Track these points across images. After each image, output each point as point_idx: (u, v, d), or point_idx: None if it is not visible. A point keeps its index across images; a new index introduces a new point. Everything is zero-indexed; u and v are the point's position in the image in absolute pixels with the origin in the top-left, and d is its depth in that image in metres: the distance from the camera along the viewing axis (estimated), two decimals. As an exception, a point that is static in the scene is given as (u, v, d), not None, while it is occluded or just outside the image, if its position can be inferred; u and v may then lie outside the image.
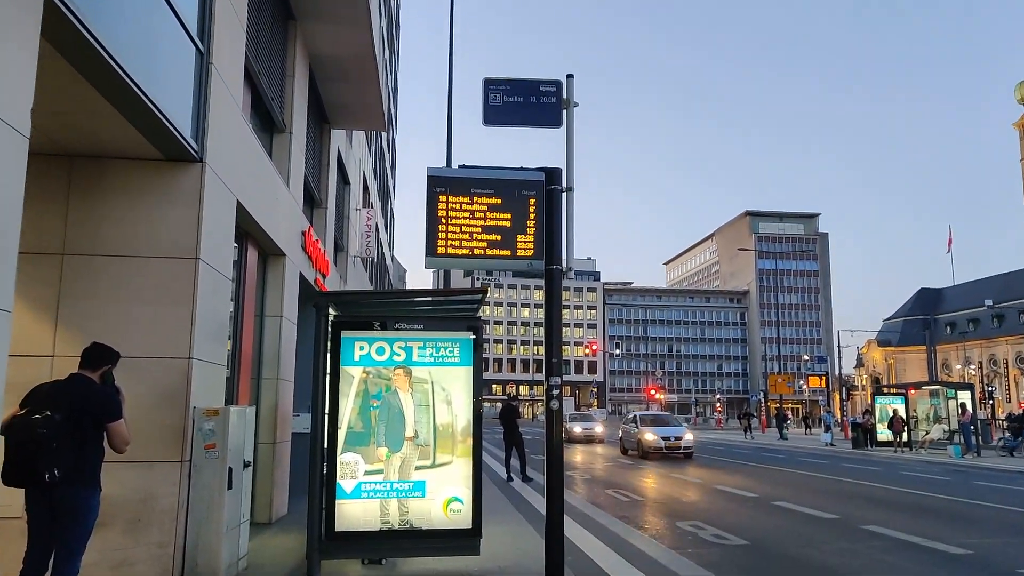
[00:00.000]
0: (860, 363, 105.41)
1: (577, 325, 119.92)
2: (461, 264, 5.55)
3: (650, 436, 24.39)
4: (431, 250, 5.51)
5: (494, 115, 5.76)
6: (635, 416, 27.28)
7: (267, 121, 9.68)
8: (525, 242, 5.61)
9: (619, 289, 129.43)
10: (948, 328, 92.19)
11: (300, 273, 11.12)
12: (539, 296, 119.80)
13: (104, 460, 4.55)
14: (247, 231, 8.61)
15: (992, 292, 79.89)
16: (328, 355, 6.68)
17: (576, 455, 26.61)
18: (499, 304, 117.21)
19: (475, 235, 5.55)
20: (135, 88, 4.89)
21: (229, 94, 6.85)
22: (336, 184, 15.66)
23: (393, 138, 38.23)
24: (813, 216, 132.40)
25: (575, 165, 5.73)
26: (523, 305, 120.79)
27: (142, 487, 5.73)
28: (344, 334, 6.68)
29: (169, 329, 6.04)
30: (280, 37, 9.77)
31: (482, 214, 5.57)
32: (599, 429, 36.16)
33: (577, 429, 35.27)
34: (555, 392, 5.55)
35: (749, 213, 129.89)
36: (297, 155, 10.66)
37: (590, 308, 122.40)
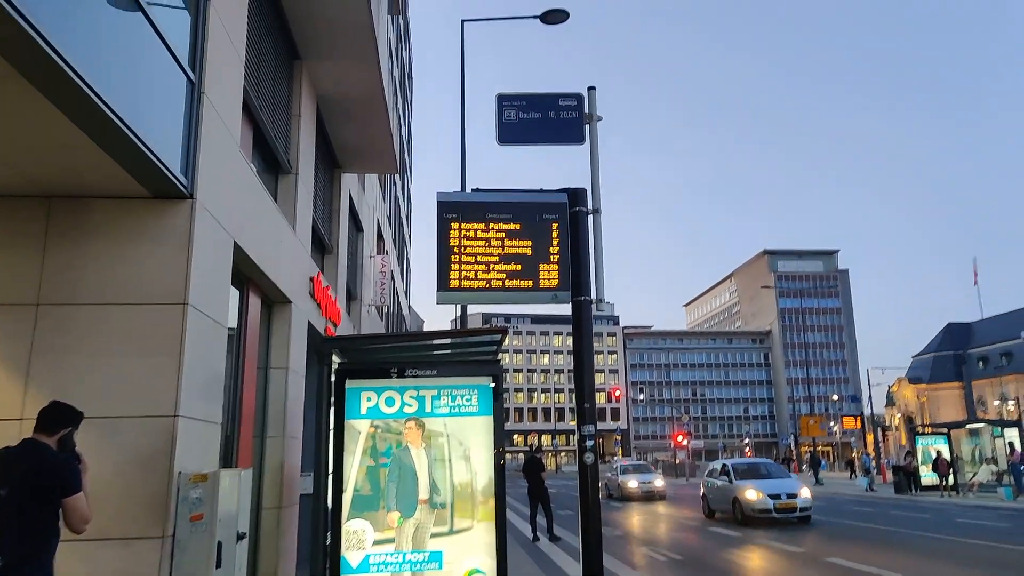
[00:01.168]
0: (891, 401, 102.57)
1: (598, 371, 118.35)
2: (478, 298, 4.90)
3: (752, 494, 17.92)
4: (443, 283, 4.86)
5: (509, 133, 5.17)
6: (725, 467, 20.53)
7: (271, 162, 9.20)
8: (549, 271, 4.96)
9: (639, 333, 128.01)
10: (980, 363, 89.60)
11: (308, 322, 10.51)
12: (559, 342, 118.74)
13: (68, 540, 3.87)
14: (248, 276, 8.03)
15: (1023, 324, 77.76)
16: (332, 408, 6.00)
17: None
18: (518, 351, 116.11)
19: (492, 265, 4.91)
20: (116, 120, 4.37)
21: (225, 127, 6.34)
22: (348, 230, 15.18)
23: (408, 188, 38.14)
24: (832, 253, 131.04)
25: (601, 184, 5.09)
26: (543, 351, 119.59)
27: (117, 569, 5.00)
28: (349, 383, 6.02)
29: (152, 384, 5.40)
30: (284, 76, 9.37)
31: (499, 242, 4.94)
32: (659, 483, 30.58)
33: (632, 484, 29.78)
34: (589, 443, 4.81)
35: (767, 252, 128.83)
36: (304, 197, 10.15)
37: (611, 353, 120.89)
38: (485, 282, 4.86)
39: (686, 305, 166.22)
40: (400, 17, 26.78)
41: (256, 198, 7.57)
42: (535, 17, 14.22)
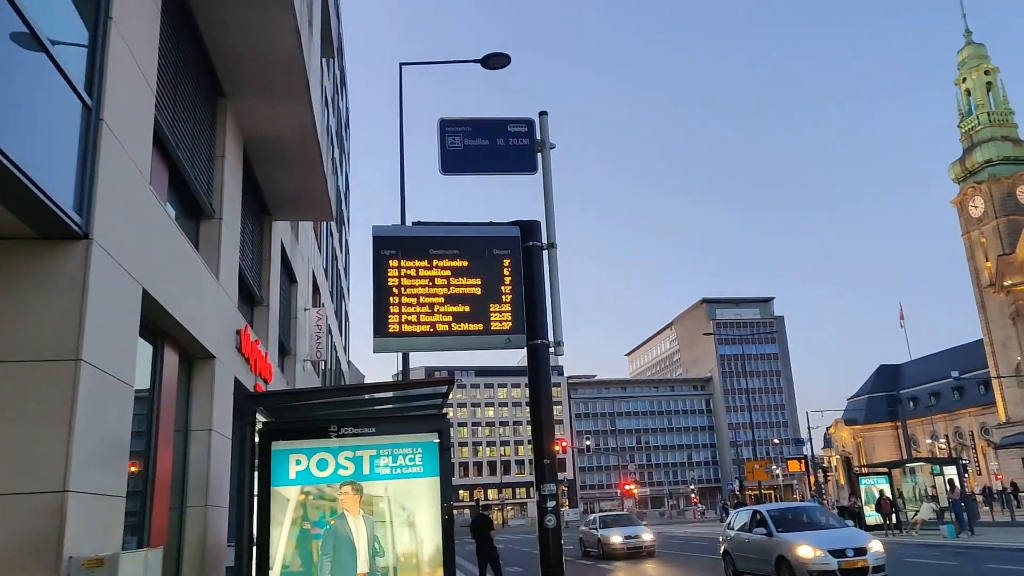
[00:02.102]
0: (828, 443, 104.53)
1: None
2: (421, 344, 4.32)
3: (808, 551, 12.97)
4: (381, 328, 4.27)
5: (453, 162, 4.69)
6: (759, 515, 15.27)
7: (191, 205, 8.49)
8: (501, 312, 4.43)
9: (584, 383, 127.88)
10: (911, 403, 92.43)
11: (235, 378, 9.66)
12: (503, 394, 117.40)
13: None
14: (163, 329, 7.24)
15: (949, 365, 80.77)
16: (255, 473, 5.27)
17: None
18: (462, 405, 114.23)
19: (437, 307, 4.35)
20: None
21: (130, 160, 5.67)
22: (280, 281, 14.38)
23: (346, 239, 37.33)
24: (768, 300, 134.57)
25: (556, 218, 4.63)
26: (487, 404, 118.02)
27: None
28: (276, 445, 5.31)
29: (37, 455, 4.58)
30: (206, 112, 8.73)
31: (444, 281, 4.40)
32: (648, 537, 25.25)
33: (616, 539, 24.61)
34: (550, 504, 4.20)
35: (706, 300, 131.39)
36: (229, 245, 9.42)
37: (556, 403, 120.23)
38: (429, 326, 4.30)
39: (628, 354, 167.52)
40: (336, 65, 26.45)
41: (171, 242, 6.85)
42: (475, 61, 13.99)
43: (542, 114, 4.80)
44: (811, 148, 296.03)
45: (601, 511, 52.83)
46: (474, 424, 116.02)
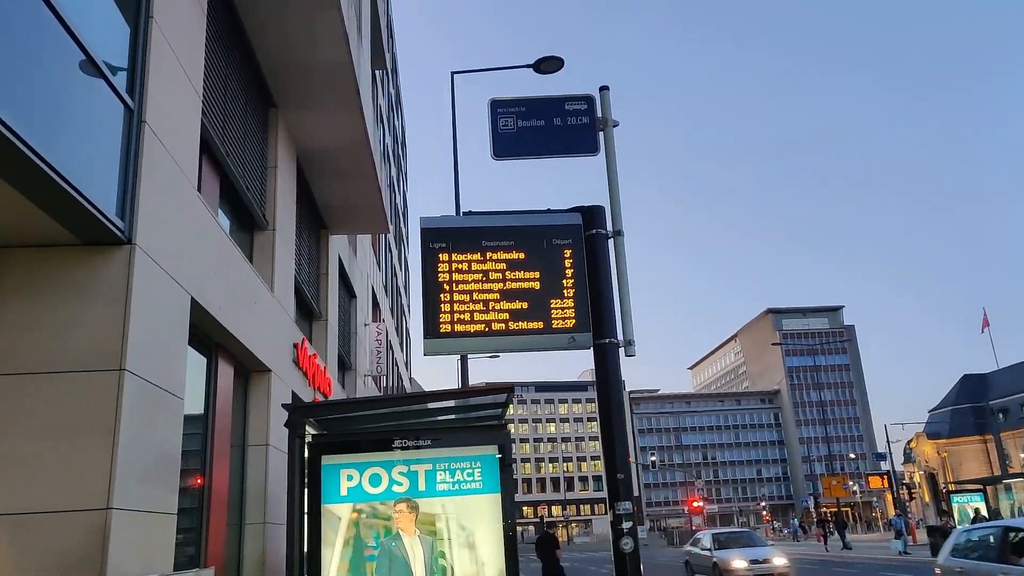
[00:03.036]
0: (909, 458, 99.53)
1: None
2: (476, 345, 3.93)
3: None
4: (432, 329, 3.90)
5: (505, 146, 4.31)
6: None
7: (244, 216, 8.37)
8: (563, 309, 4.00)
9: (646, 397, 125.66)
10: (1001, 415, 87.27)
11: (293, 392, 9.48)
12: (564, 409, 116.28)
13: None
14: (216, 340, 7.07)
15: (1041, 372, 75.93)
16: (305, 489, 4.96)
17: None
18: (523, 421, 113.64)
19: (492, 304, 3.96)
20: (24, 148, 3.54)
21: (175, 164, 5.50)
22: (339, 296, 14.29)
23: (405, 257, 37.52)
24: (837, 309, 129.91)
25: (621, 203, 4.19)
26: (548, 420, 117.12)
27: None
28: (326, 459, 5.00)
29: (78, 470, 4.37)
30: (257, 123, 8.63)
31: (499, 275, 4.01)
32: (780, 560, 19.98)
33: (739, 564, 19.48)
34: (626, 525, 3.72)
35: (771, 311, 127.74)
36: (284, 256, 9.28)
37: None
38: (484, 324, 3.91)
39: (691, 368, 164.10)
40: (391, 84, 26.64)
41: (221, 251, 6.68)
42: (528, 66, 13.69)
43: (603, 89, 4.38)
44: (885, 140, 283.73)
45: (694, 528, 47.17)
46: (536, 440, 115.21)
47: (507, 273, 4.00)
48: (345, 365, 15.24)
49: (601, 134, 4.36)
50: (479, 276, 3.99)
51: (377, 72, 17.79)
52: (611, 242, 4.16)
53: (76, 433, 4.40)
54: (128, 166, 4.82)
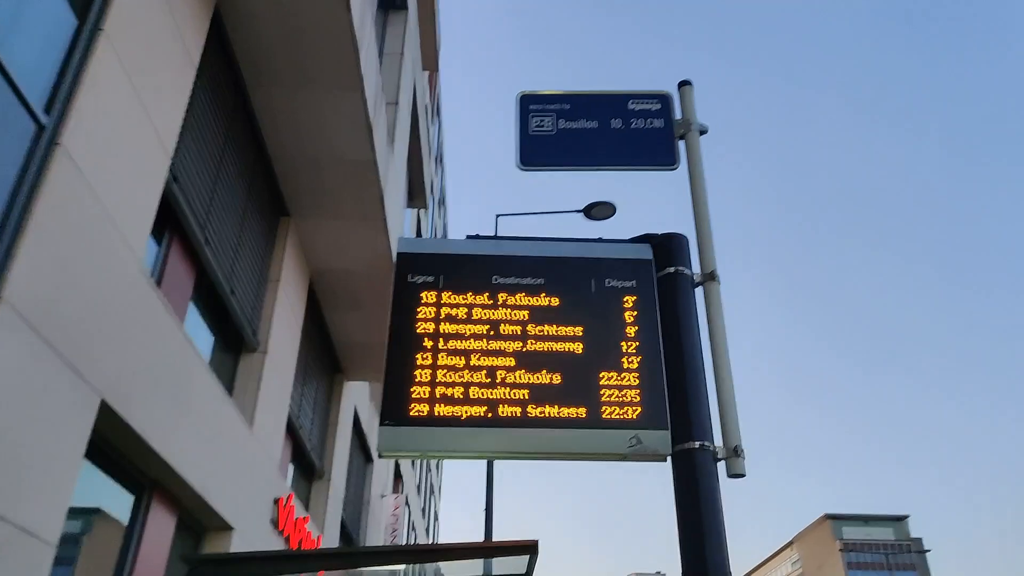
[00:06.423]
0: None
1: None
2: (469, 443, 2.22)
3: None
4: (394, 411, 2.24)
5: (536, 153, 2.85)
6: None
7: (226, 328, 6.96)
8: (620, 389, 2.31)
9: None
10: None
11: (265, 562, 7.49)
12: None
13: None
14: (153, 477, 5.37)
15: None
16: None
17: None
18: None
19: (503, 375, 2.31)
20: None
21: (98, 202, 4.19)
22: (350, 454, 12.48)
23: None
24: (902, 518, 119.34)
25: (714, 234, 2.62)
26: None
27: None
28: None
29: None
30: (261, 225, 7.49)
31: (518, 328, 2.39)
32: None
33: None
34: None
35: (829, 516, 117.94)
36: (276, 388, 7.74)
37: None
38: (486, 407, 2.23)
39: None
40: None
41: (174, 357, 5.17)
42: (578, 211, 12.71)
43: (683, 84, 2.97)
44: (960, 338, 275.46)
45: None
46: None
47: (530, 327, 2.39)
48: (351, 539, 13.03)
49: (681, 142, 2.90)
50: (484, 329, 2.38)
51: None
52: (699, 289, 2.54)
53: None
54: (17, 193, 3.50)
